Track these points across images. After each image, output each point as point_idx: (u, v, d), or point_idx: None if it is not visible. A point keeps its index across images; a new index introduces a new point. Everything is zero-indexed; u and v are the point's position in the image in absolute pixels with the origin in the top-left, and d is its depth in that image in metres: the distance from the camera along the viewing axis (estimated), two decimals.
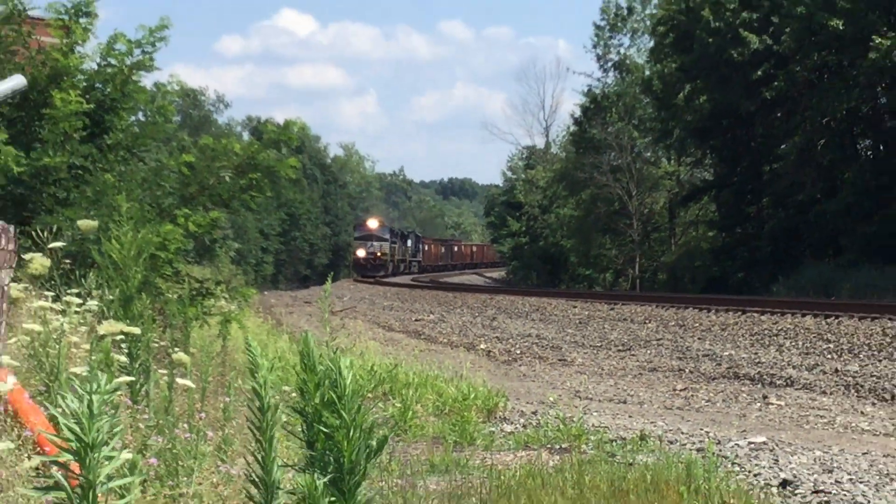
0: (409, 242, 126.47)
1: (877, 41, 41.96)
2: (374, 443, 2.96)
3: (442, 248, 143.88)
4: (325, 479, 2.83)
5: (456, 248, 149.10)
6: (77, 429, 2.38)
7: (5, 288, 3.83)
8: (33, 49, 12.68)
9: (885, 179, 43.34)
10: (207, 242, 13.66)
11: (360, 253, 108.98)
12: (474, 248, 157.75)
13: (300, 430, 3.05)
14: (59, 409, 2.42)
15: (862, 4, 43.70)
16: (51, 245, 5.92)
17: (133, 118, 13.39)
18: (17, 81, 3.92)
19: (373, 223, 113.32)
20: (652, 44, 65.15)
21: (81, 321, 5.67)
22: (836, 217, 44.62)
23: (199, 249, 13.94)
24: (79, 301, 5.66)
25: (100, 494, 2.39)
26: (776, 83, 48.99)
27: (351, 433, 2.88)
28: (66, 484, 2.39)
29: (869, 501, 8.52)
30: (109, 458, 2.41)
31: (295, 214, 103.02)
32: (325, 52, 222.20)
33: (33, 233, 7.19)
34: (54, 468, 2.46)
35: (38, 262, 5.22)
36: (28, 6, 12.71)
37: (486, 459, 10.24)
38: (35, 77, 11.72)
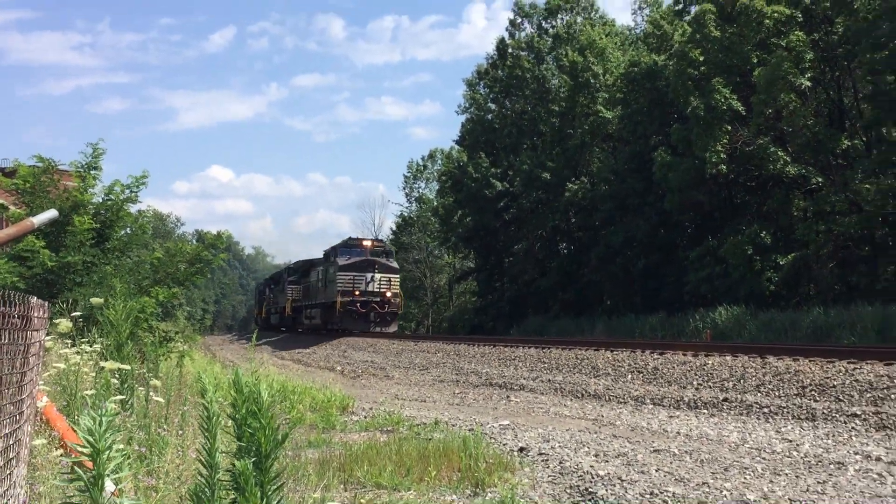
0: None
1: (569, 186, 43.41)
2: (279, 437, 2.90)
3: None
4: (252, 461, 2.77)
5: None
6: (91, 439, 2.30)
7: (42, 341, 3.63)
8: (61, 189, 12.47)
9: (574, 267, 44.70)
10: (170, 307, 13.46)
11: (352, 289, 38.98)
12: None
13: (232, 429, 2.97)
14: (78, 426, 2.35)
15: (560, 164, 45.19)
16: (73, 314, 5.78)
17: (123, 231, 13.13)
18: (52, 214, 3.73)
19: (367, 243, 42.37)
20: (438, 186, 66.27)
21: (90, 359, 5.47)
22: (547, 289, 45.68)
23: (165, 311, 13.70)
24: (89, 347, 5.50)
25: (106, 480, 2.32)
26: (511, 210, 50.13)
27: (267, 432, 2.82)
28: (83, 475, 2.30)
29: (570, 458, 8.64)
30: (112, 458, 2.33)
31: (224, 291, 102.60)
32: (239, 191, 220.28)
33: (58, 304, 6.95)
34: (74, 466, 2.37)
35: (64, 325, 5.02)
36: (58, 163, 12.64)
37: (342, 438, 10.19)
38: (62, 207, 11.53)
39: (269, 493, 2.81)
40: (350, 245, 41.47)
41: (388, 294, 39.35)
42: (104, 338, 5.65)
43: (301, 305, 49.70)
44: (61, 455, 3.90)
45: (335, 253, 41.22)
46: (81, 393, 4.80)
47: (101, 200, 12.81)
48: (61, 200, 11.94)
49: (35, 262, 11.19)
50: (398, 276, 40.71)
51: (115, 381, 5.07)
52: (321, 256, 45.44)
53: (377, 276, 39.01)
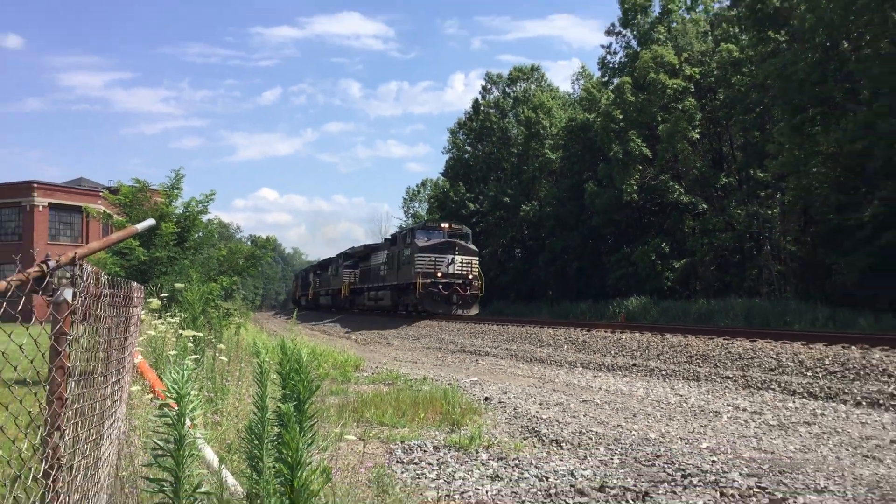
0: None
1: (523, 208, 43.38)
2: (313, 386, 2.89)
3: None
4: (293, 405, 2.76)
5: None
6: (176, 387, 2.29)
7: (139, 314, 3.60)
8: (152, 203, 12.40)
9: (527, 267, 44.55)
10: (230, 291, 13.35)
11: (433, 270, 27.77)
12: None
13: (279, 380, 2.96)
14: (168, 376, 2.34)
15: (517, 191, 45.15)
16: (161, 295, 5.72)
17: (197, 235, 13.04)
18: (151, 222, 3.71)
19: (445, 224, 30.34)
20: (427, 206, 65.92)
21: (172, 328, 5.42)
22: (506, 283, 45.45)
23: (227, 294, 13.60)
24: (172, 319, 5.44)
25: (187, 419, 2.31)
26: (481, 224, 49.82)
27: (305, 383, 2.81)
28: (169, 414, 2.29)
29: (522, 406, 8.63)
30: (191, 401, 2.32)
31: (270, 280, 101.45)
32: (281, 207, 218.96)
33: (149, 288, 6.90)
34: (164, 407, 2.36)
35: (154, 303, 4.97)
36: (150, 184, 12.57)
37: (355, 388, 10.08)
38: (152, 216, 11.43)
39: (306, 428, 2.80)
40: (428, 227, 30.67)
41: (470, 276, 28.63)
42: (183, 312, 5.60)
43: (360, 288, 39.09)
44: (151, 398, 3.86)
45: (412, 235, 29.96)
46: (166, 353, 4.75)
47: (181, 212, 12.77)
48: (152, 212, 11.88)
49: (132, 257, 11.13)
50: (477, 258, 29.64)
51: (191, 344, 5.02)
52: (382, 242, 35.28)
53: (458, 257, 28.38)
